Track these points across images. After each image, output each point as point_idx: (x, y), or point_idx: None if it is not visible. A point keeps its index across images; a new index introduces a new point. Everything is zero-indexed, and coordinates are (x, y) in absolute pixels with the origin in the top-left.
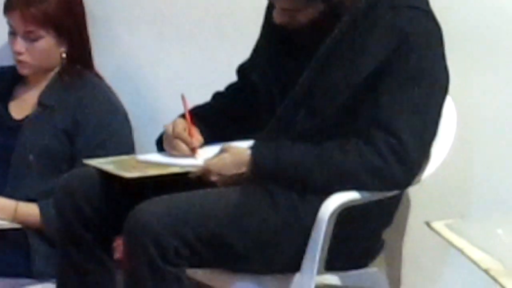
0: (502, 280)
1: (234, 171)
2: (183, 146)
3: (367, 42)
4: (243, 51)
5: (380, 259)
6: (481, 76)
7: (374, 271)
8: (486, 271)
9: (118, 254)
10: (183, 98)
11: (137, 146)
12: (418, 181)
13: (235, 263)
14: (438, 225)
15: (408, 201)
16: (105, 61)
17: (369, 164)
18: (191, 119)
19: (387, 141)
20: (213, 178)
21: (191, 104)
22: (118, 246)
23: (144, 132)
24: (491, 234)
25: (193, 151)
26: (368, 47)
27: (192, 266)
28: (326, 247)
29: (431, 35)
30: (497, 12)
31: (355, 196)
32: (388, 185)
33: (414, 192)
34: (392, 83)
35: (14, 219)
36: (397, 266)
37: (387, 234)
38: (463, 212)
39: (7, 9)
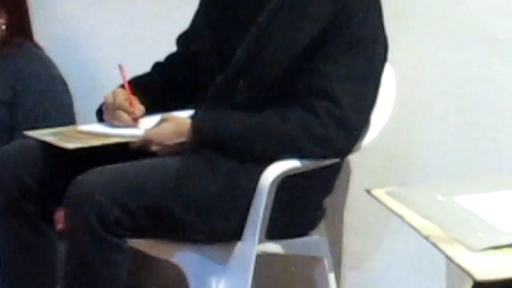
0: (442, 245)
1: (175, 141)
2: (125, 116)
3: (307, 10)
4: (184, 20)
5: (322, 226)
6: (419, 42)
7: (316, 239)
8: (426, 237)
9: (60, 224)
10: (120, 68)
11: (77, 116)
12: (359, 149)
13: (177, 233)
14: (378, 192)
15: (349, 168)
16: (44, 30)
17: (310, 132)
18: (131, 89)
19: (328, 108)
20: (154, 148)
21: (131, 73)
22: (60, 216)
23: (85, 102)
24: (432, 200)
25: (135, 121)
26: (308, 15)
27: (135, 236)
28: (268, 216)
29: (369, 2)
30: None
31: (295, 164)
32: (329, 152)
33: (355, 159)
34: (332, 50)
35: None
36: (338, 234)
37: (329, 202)
38: (404, 179)
39: None
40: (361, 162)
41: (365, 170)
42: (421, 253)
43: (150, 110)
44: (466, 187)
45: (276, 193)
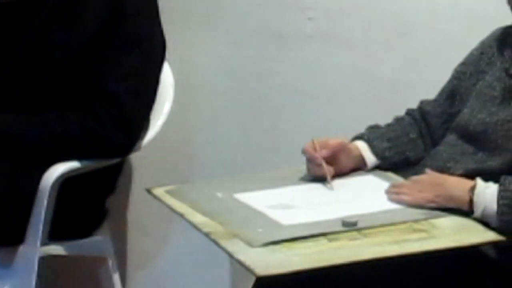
0: (223, 242)
1: None
2: None
3: (84, 9)
4: None
5: (105, 226)
6: (198, 39)
7: (99, 239)
8: (207, 235)
9: None
10: None
11: None
12: (139, 148)
13: None
14: (158, 191)
15: (130, 168)
16: None
17: (89, 132)
18: None
19: (107, 108)
20: None
21: None
22: None
23: None
24: (212, 197)
25: None
26: (85, 15)
27: None
28: (50, 218)
29: (145, 2)
30: None
31: (76, 165)
32: (109, 152)
33: (136, 159)
34: (109, 49)
35: None
36: (122, 233)
37: (111, 202)
38: (185, 177)
39: None
40: (142, 161)
41: (147, 169)
42: (205, 250)
43: None
44: (247, 183)
45: (58, 194)
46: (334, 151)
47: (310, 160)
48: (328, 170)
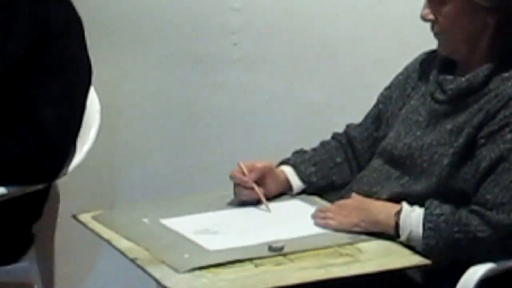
0: (149, 268)
1: None
2: None
3: (10, 32)
4: None
5: (32, 252)
6: (124, 63)
7: (25, 265)
8: (133, 260)
9: None
10: None
11: None
12: (66, 173)
13: None
14: (85, 217)
15: (56, 194)
16: None
17: (14, 158)
18: None
19: (32, 134)
20: None
21: None
22: None
23: None
24: (138, 223)
25: None
26: (11, 38)
27: None
28: None
29: (71, 25)
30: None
31: (1, 190)
32: (35, 177)
33: (62, 184)
34: (35, 73)
35: None
36: (49, 259)
37: (38, 227)
38: (112, 202)
39: None
40: (69, 186)
41: (74, 194)
42: (132, 276)
43: None
44: (173, 208)
45: None
46: (262, 174)
47: (240, 185)
48: (261, 192)
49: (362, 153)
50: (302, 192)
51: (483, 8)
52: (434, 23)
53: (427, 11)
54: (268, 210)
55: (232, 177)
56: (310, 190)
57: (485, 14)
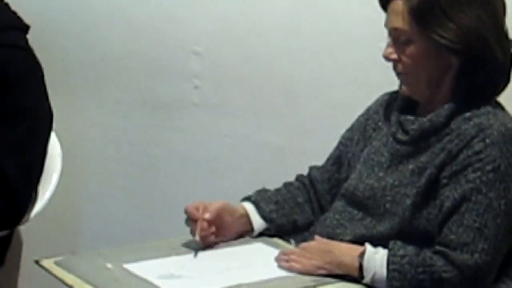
0: None
1: None
2: None
3: None
4: None
5: None
6: (85, 109)
7: None
8: None
9: None
10: None
11: None
12: (28, 220)
13: None
14: (47, 262)
15: (19, 240)
16: None
17: None
18: None
19: None
20: None
21: None
22: None
23: None
24: (101, 268)
25: None
26: None
27: None
28: None
29: (31, 73)
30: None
31: None
32: None
33: (25, 230)
34: None
35: None
36: None
37: (1, 274)
38: (75, 247)
39: None
40: (31, 232)
41: (36, 240)
42: None
43: None
44: (136, 253)
45: None
46: (218, 213)
47: (192, 219)
48: (204, 226)
49: (323, 195)
50: (264, 234)
51: (448, 49)
52: (397, 63)
53: (390, 50)
54: (199, 242)
55: (185, 211)
56: (271, 228)
57: (450, 55)
